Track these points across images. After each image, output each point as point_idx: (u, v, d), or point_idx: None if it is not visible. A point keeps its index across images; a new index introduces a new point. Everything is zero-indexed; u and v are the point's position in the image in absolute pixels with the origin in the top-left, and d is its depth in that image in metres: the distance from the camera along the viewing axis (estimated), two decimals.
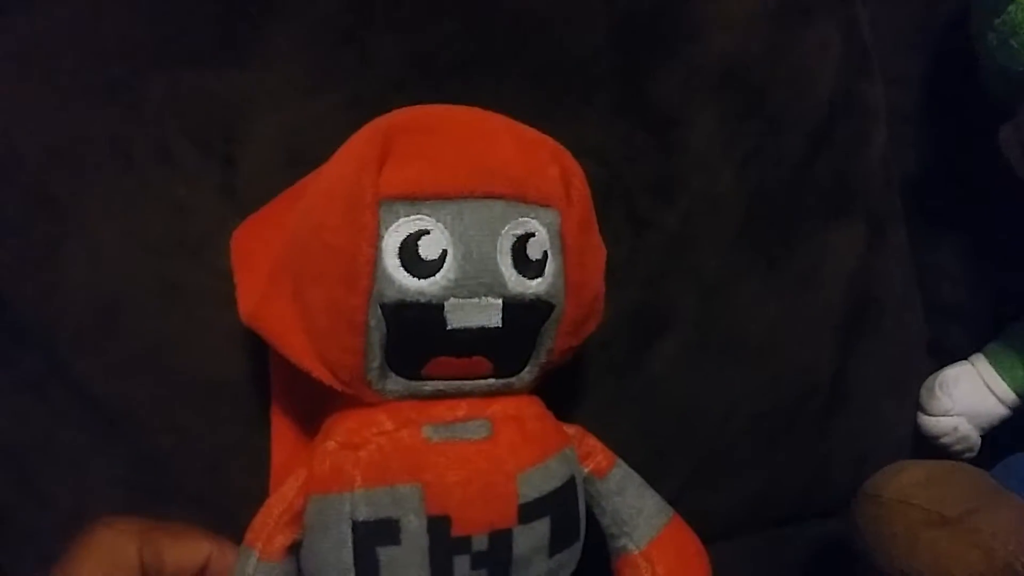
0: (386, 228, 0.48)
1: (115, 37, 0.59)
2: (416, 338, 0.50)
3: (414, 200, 0.49)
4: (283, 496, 0.51)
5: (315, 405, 0.56)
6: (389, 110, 0.52)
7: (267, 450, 0.58)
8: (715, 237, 0.69)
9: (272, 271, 0.53)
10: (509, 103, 0.56)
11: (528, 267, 0.51)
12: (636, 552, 0.58)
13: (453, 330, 0.49)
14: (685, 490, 0.70)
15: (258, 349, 0.57)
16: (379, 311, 0.49)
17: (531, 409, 0.55)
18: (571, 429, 0.59)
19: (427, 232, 0.49)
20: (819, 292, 0.73)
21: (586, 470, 0.58)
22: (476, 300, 0.49)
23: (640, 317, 0.67)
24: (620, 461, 0.60)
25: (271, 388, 0.59)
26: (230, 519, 0.53)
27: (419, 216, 0.49)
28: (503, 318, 0.50)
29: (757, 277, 0.70)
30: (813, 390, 0.73)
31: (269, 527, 0.51)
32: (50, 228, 0.58)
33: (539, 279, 0.51)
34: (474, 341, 0.50)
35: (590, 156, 0.58)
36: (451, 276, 0.49)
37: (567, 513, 0.54)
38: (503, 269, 0.50)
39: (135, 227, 0.59)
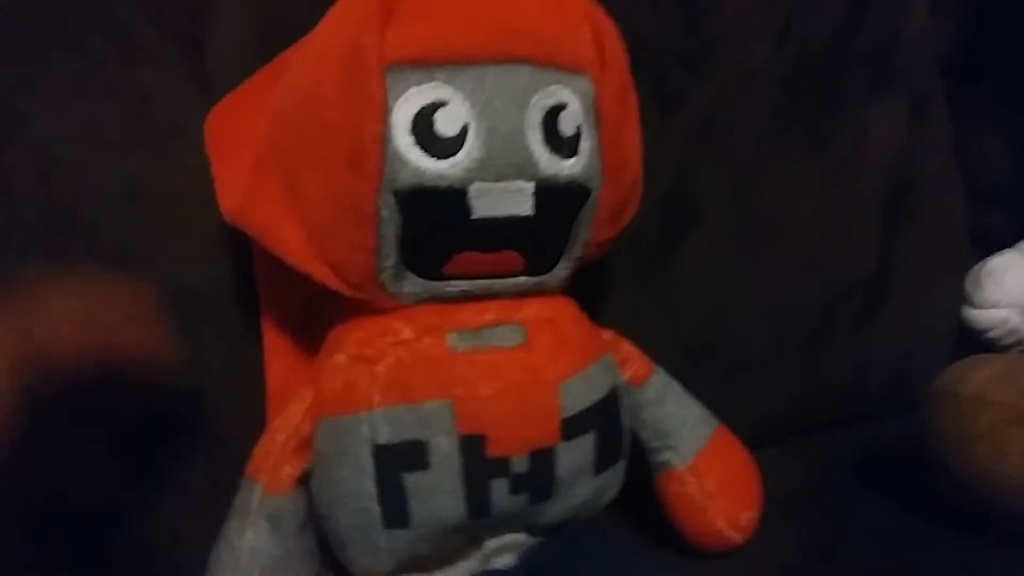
0: (395, 99, 0.41)
1: None
2: (436, 230, 0.42)
3: (427, 65, 0.41)
4: (288, 421, 0.44)
5: (314, 315, 0.48)
6: None
7: (259, 369, 0.50)
8: (749, 117, 0.62)
9: (257, 159, 0.45)
10: None
11: (561, 145, 0.43)
12: (682, 467, 0.52)
13: (479, 220, 0.41)
14: (720, 395, 0.64)
15: (240, 253, 0.49)
16: (392, 199, 0.41)
17: (566, 311, 0.48)
18: (606, 333, 0.52)
19: (444, 103, 0.41)
20: (859, 178, 0.67)
21: (623, 378, 0.51)
22: (504, 184, 0.42)
23: (669, 209, 0.60)
24: (659, 368, 0.54)
25: (259, 297, 0.51)
26: (224, 451, 0.46)
27: (434, 84, 0.41)
28: (535, 204, 0.42)
29: (794, 162, 0.63)
30: (853, 286, 0.67)
31: (274, 457, 0.44)
32: None
33: (574, 159, 0.44)
34: (503, 232, 0.42)
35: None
36: (475, 155, 0.41)
37: (612, 426, 0.47)
38: (533, 147, 0.42)
39: (91, 122, 0.50)
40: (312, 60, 0.43)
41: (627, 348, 0.53)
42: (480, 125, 0.41)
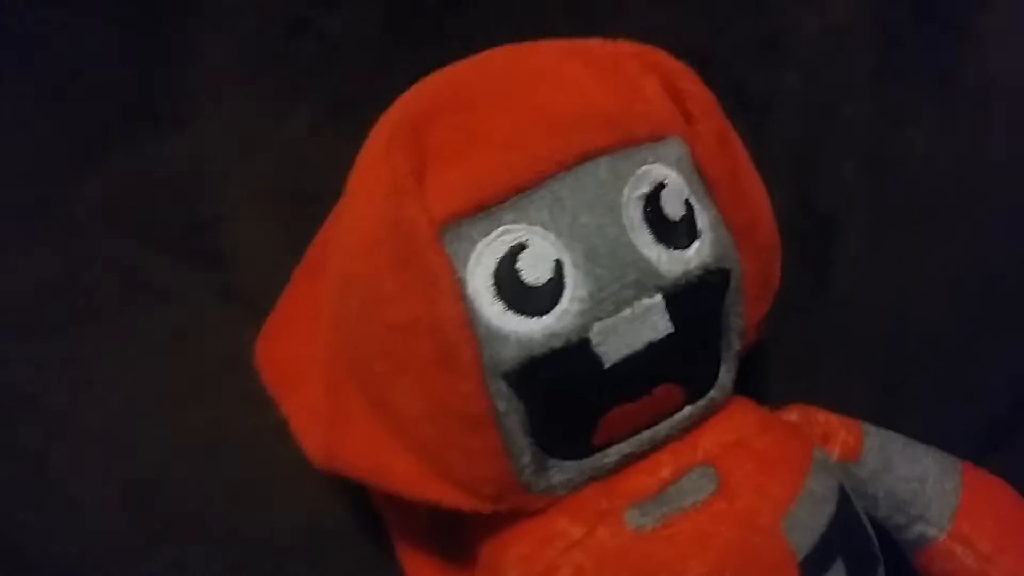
0: (464, 264, 0.32)
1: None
2: (569, 400, 0.33)
3: (487, 208, 0.32)
4: None
5: (455, 534, 0.39)
6: (383, 102, 0.35)
7: None
8: (853, 84, 0.51)
9: (328, 383, 0.36)
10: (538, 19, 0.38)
11: (676, 233, 0.34)
12: (942, 536, 0.41)
13: (615, 366, 0.32)
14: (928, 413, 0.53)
15: (352, 488, 0.41)
16: (503, 385, 0.32)
17: (748, 419, 0.38)
18: (792, 414, 0.42)
19: (523, 246, 0.32)
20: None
21: (833, 459, 0.40)
22: (629, 312, 0.32)
23: (797, 219, 0.50)
24: (866, 425, 0.43)
25: (388, 530, 0.42)
26: None
27: (503, 228, 0.32)
28: (672, 318, 0.32)
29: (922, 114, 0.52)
30: None
31: None
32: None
33: (696, 243, 0.34)
34: (647, 368, 0.33)
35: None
36: (582, 293, 0.32)
37: (857, 538, 0.37)
38: (646, 251, 0.33)
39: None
40: (353, 252, 0.34)
41: (822, 419, 0.42)
42: (575, 254, 0.32)
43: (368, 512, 0.43)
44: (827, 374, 0.52)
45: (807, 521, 0.35)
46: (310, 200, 0.38)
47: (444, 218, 0.32)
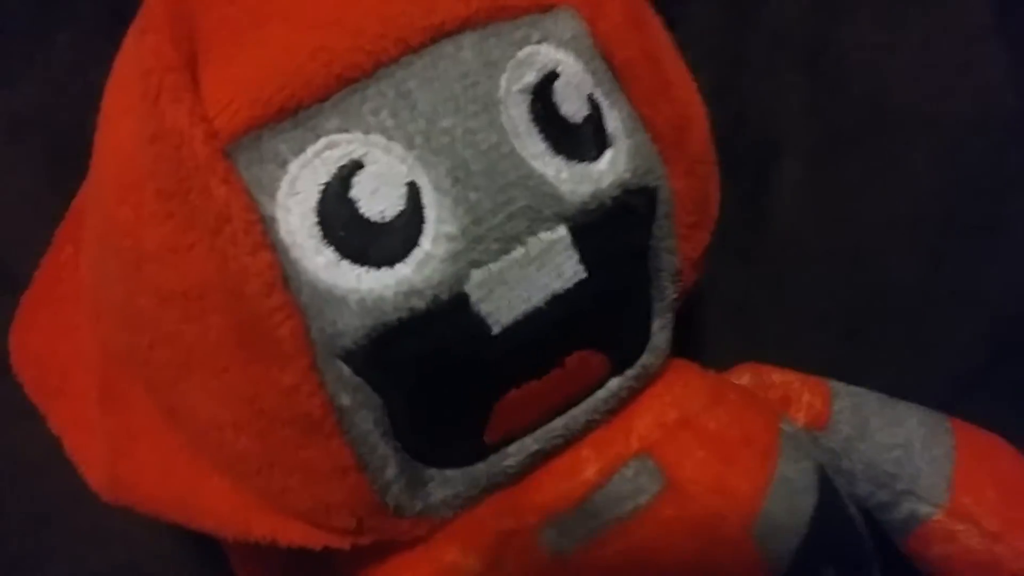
0: (271, 196, 0.22)
1: None
2: (446, 384, 0.23)
3: (296, 112, 0.22)
4: None
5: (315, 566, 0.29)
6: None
7: None
8: None
9: (104, 386, 0.25)
10: None
11: (576, 139, 0.24)
12: (938, 513, 0.33)
13: (507, 331, 0.22)
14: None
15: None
16: (344, 369, 0.22)
17: (693, 387, 0.28)
18: (742, 376, 0.33)
19: (359, 164, 0.22)
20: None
21: (797, 428, 0.32)
22: (521, 252, 0.23)
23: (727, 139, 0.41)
24: (833, 383, 0.34)
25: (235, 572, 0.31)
26: None
27: (325, 140, 0.22)
28: (583, 258, 0.23)
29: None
30: None
31: None
32: None
33: (608, 153, 0.25)
34: (553, 330, 0.24)
35: None
36: (450, 229, 0.22)
37: (848, 536, 0.28)
38: (537, 165, 0.23)
39: None
40: (107, 193, 0.23)
41: (779, 379, 0.34)
42: (436, 173, 0.22)
43: (206, 548, 0.32)
44: (773, 324, 0.44)
45: (784, 520, 0.26)
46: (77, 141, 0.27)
47: (233, 129, 0.22)
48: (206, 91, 0.22)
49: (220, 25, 0.23)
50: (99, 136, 0.24)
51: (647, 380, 0.27)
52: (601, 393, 0.26)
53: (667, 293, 0.28)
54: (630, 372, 0.26)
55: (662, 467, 0.26)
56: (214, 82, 0.22)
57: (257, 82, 0.22)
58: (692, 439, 0.26)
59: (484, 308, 0.23)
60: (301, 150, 0.22)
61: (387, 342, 0.22)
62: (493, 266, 0.23)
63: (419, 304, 0.22)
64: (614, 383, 0.26)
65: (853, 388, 0.35)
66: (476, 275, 0.22)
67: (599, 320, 0.25)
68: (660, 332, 0.28)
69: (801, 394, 0.34)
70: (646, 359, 0.27)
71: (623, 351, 0.26)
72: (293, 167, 0.22)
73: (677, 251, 0.27)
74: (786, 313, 0.43)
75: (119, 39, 0.25)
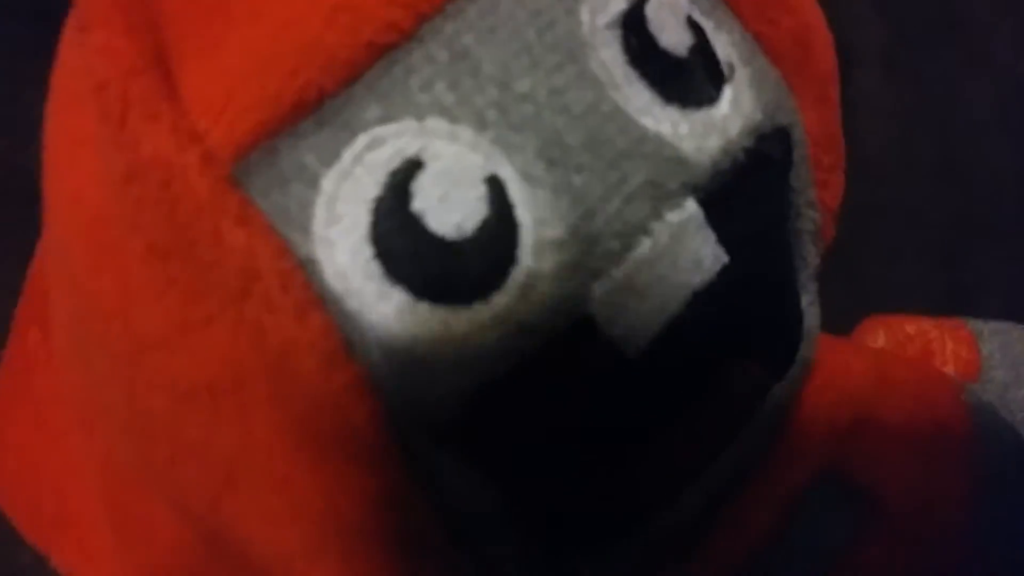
0: (304, 229, 0.15)
1: None
2: (574, 443, 0.17)
3: (317, 103, 0.15)
4: None
5: None
6: None
7: None
8: None
9: (116, 513, 0.19)
10: None
11: (687, 77, 0.18)
12: None
13: (645, 354, 0.17)
14: None
15: None
16: (444, 457, 0.15)
17: (855, 373, 0.22)
18: (876, 335, 0.28)
19: (417, 163, 0.15)
20: None
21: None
22: (647, 244, 0.16)
23: None
24: (972, 323, 0.29)
25: None
26: None
27: (365, 137, 0.16)
28: (723, 238, 0.17)
29: None
30: None
31: None
32: None
33: (727, 89, 0.18)
34: (699, 342, 0.18)
35: None
36: (554, 232, 0.15)
37: None
38: (648, 121, 0.17)
39: None
40: (79, 259, 0.17)
41: (913, 330, 0.29)
42: (524, 155, 0.16)
43: None
44: (864, 259, 0.38)
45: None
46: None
47: (237, 144, 0.15)
48: (189, 96, 0.15)
49: (190, 1, 0.16)
50: (48, 184, 0.17)
51: (807, 375, 0.21)
52: (764, 409, 0.20)
53: (811, 259, 0.21)
54: (791, 371, 0.20)
55: (855, 486, 0.20)
56: (197, 81, 0.15)
57: (258, 71, 0.15)
58: (886, 444, 0.20)
59: (616, 330, 0.17)
60: (335, 157, 0.16)
61: (496, 404, 0.16)
62: (617, 272, 0.16)
63: (531, 344, 0.16)
64: (776, 392, 0.20)
65: (993, 324, 0.29)
66: (599, 288, 0.16)
67: (747, 315, 0.19)
68: (810, 309, 0.21)
69: (944, 344, 0.28)
70: (804, 349, 0.21)
71: (778, 347, 0.20)
72: (328, 183, 0.15)
73: (817, 204, 0.21)
74: (876, 246, 0.37)
75: None
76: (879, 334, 0.28)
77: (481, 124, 0.16)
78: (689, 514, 0.19)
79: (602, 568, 0.18)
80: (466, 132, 0.16)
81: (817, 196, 0.21)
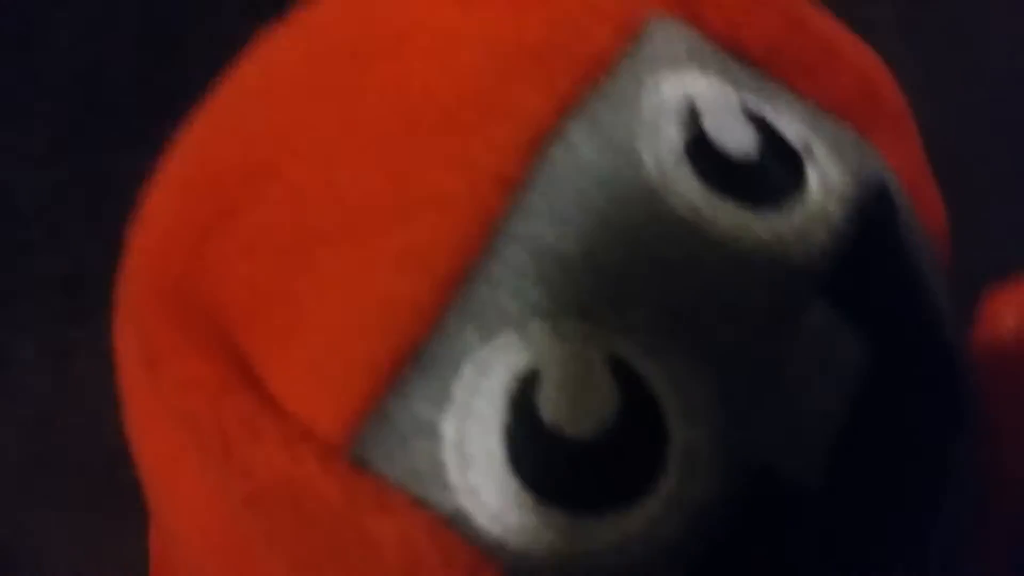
0: (442, 484, 0.14)
1: None
2: None
3: (415, 353, 0.14)
4: None
5: None
6: None
7: None
8: None
9: None
10: None
11: (771, 176, 0.17)
12: None
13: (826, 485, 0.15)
14: None
15: None
16: None
17: None
18: (1006, 315, 0.25)
19: (533, 373, 0.14)
20: None
21: None
22: (790, 372, 0.15)
23: None
24: None
25: None
26: None
27: (472, 363, 0.14)
28: (857, 322, 0.16)
29: None
30: None
31: None
32: None
33: (810, 169, 0.17)
34: (870, 448, 0.16)
35: None
36: (698, 394, 0.14)
37: None
38: (746, 239, 0.16)
39: None
40: None
41: None
42: (640, 329, 0.14)
43: None
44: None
45: None
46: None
47: (346, 424, 0.14)
48: (283, 394, 0.14)
49: (248, 291, 0.15)
50: (158, 513, 0.16)
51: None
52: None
53: (940, 295, 0.20)
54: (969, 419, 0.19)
55: None
56: (287, 377, 0.14)
57: (345, 343, 0.14)
58: None
59: (789, 469, 0.15)
60: (446, 397, 0.14)
61: None
62: (770, 404, 0.15)
63: (713, 518, 0.14)
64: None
65: None
66: (761, 434, 0.15)
67: (916, 394, 0.17)
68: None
69: None
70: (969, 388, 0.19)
71: (950, 401, 0.19)
72: (448, 427, 0.14)
73: (928, 239, 0.20)
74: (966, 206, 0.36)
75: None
76: (1007, 313, 0.26)
77: (584, 313, 0.15)
78: None
79: None
80: (570, 325, 0.15)
81: (926, 227, 0.20)
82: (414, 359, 0.14)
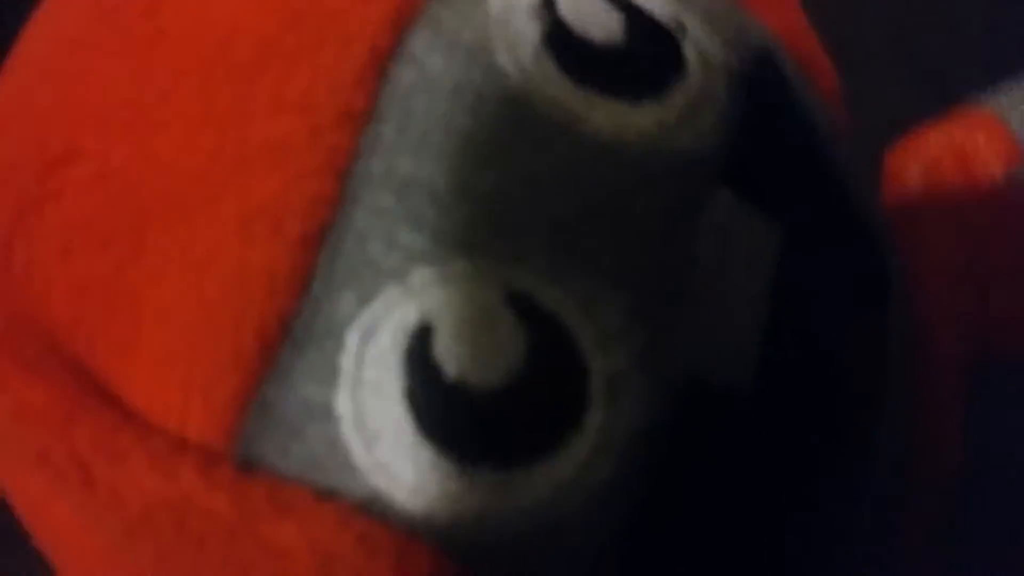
0: (350, 469, 0.13)
1: None
2: None
3: (286, 332, 0.12)
4: None
5: None
6: None
7: None
8: None
9: None
10: None
11: (643, 62, 0.15)
12: None
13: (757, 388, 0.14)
14: None
15: None
16: None
17: None
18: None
19: (427, 329, 0.13)
20: None
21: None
22: (698, 260, 0.14)
23: None
24: (984, 103, 0.26)
25: None
26: None
27: (357, 329, 0.13)
28: (765, 204, 0.15)
29: None
30: None
31: None
32: None
33: (687, 48, 0.16)
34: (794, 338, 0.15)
35: None
36: (611, 321, 0.13)
37: None
38: (627, 135, 0.14)
39: None
40: None
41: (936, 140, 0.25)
42: (534, 255, 0.13)
43: None
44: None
45: None
46: None
47: (224, 425, 0.12)
48: (143, 404, 0.12)
49: (75, 297, 0.13)
50: (46, 552, 0.14)
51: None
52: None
53: (846, 155, 0.19)
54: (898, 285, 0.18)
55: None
56: (143, 385, 0.13)
57: (203, 336, 0.12)
58: None
59: (719, 376, 0.14)
60: (334, 373, 0.13)
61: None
62: (689, 311, 0.14)
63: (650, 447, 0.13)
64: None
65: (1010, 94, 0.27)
66: (684, 344, 0.14)
67: (835, 264, 0.16)
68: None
69: (975, 142, 0.26)
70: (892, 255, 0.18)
71: (872, 268, 0.18)
72: (343, 404, 0.13)
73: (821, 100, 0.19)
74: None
75: None
76: (910, 167, 0.25)
77: (470, 249, 0.13)
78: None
79: None
80: (457, 266, 0.13)
81: (817, 90, 0.19)
82: (286, 336, 0.13)
